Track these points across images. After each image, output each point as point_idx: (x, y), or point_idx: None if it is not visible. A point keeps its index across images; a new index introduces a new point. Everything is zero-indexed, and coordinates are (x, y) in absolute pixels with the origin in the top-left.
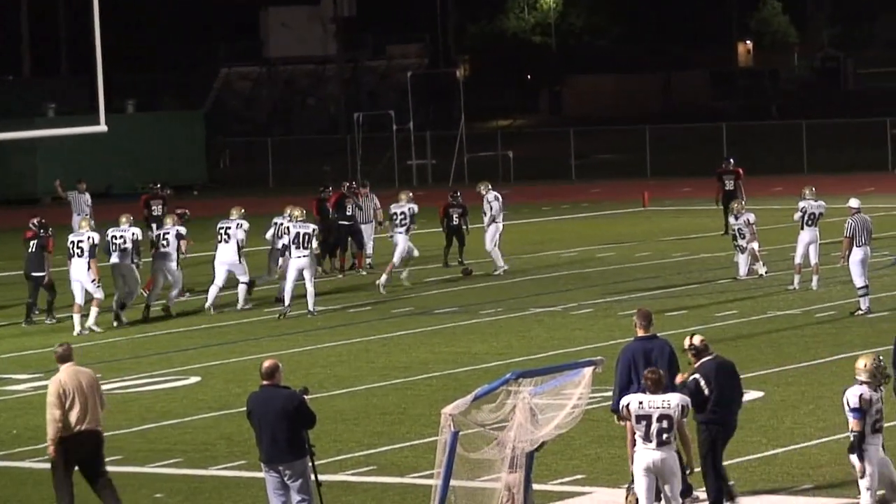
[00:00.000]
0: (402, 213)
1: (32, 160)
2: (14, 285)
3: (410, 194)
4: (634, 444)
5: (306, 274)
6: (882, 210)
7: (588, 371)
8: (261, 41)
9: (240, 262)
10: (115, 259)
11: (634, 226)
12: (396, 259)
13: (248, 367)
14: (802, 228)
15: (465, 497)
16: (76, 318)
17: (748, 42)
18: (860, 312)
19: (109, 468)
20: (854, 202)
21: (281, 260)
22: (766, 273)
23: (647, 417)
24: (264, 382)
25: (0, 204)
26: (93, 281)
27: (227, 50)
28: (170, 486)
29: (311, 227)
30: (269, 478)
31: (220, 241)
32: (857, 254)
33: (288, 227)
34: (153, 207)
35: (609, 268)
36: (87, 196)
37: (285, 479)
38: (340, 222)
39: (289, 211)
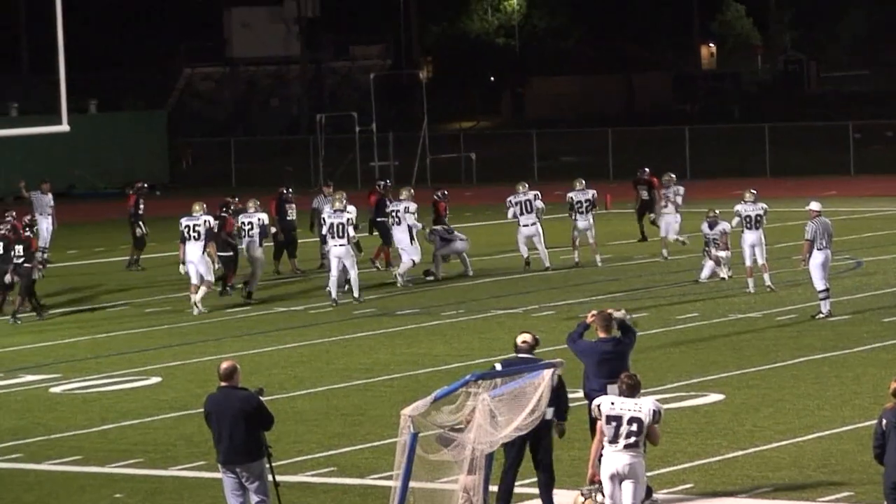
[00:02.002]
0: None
1: None
2: None
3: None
4: (600, 449)
5: (347, 262)
6: (843, 213)
7: (548, 373)
8: (223, 41)
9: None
10: (244, 244)
11: (596, 228)
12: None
13: (208, 367)
14: (743, 231)
15: (425, 498)
16: (194, 297)
17: (711, 45)
18: (821, 315)
19: (70, 468)
20: (815, 205)
21: (324, 247)
22: (728, 276)
23: (618, 419)
24: (222, 384)
25: None
26: (206, 263)
27: (189, 50)
28: (130, 486)
29: (345, 217)
30: (226, 479)
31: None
32: (817, 257)
33: (323, 218)
34: (140, 206)
35: (570, 270)
36: (50, 197)
37: (243, 480)
38: (378, 219)
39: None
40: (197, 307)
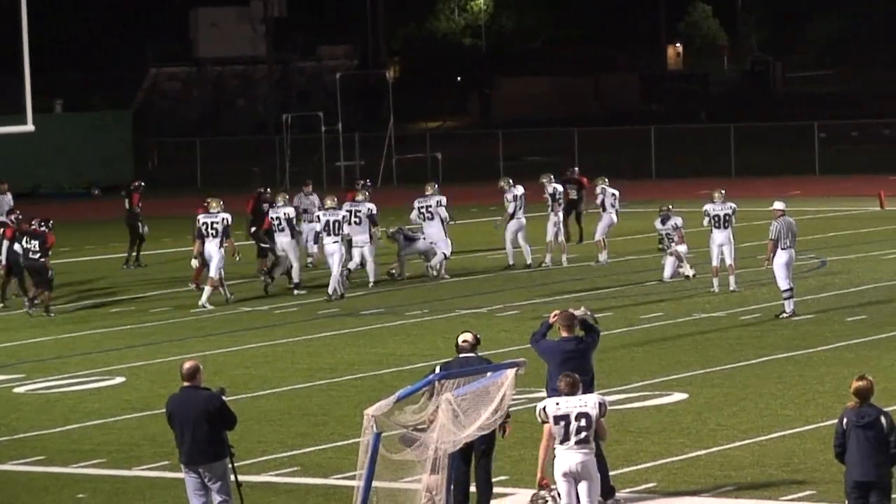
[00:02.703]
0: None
1: None
2: None
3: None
4: (547, 450)
5: (335, 258)
6: (809, 213)
7: (511, 373)
8: (190, 41)
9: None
10: (277, 238)
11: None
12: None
13: (173, 367)
14: (712, 231)
15: (388, 498)
16: (208, 291)
17: (678, 45)
18: (785, 315)
19: (33, 468)
20: (779, 204)
21: (315, 246)
22: (692, 275)
23: (566, 417)
24: (185, 384)
25: None
26: (233, 255)
27: (156, 50)
28: (93, 486)
29: (340, 215)
30: (188, 479)
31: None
32: (781, 256)
33: (319, 216)
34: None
35: (535, 270)
36: (9, 196)
37: (205, 480)
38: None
39: (326, 202)
40: (204, 302)
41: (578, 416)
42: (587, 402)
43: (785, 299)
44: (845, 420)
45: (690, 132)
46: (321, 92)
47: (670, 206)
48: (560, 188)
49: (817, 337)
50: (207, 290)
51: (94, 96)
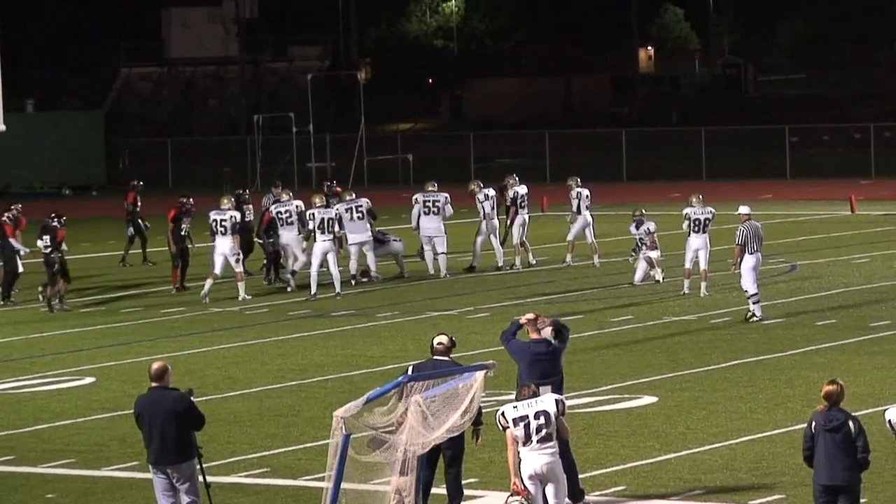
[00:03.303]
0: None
1: None
2: None
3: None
4: (515, 455)
5: (330, 257)
6: (779, 217)
7: (480, 375)
8: (162, 41)
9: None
10: (282, 232)
11: (532, 230)
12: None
13: (143, 368)
14: (690, 235)
15: (357, 500)
16: (209, 284)
17: (649, 48)
18: (755, 319)
19: (2, 468)
20: (744, 209)
21: (305, 244)
22: (662, 279)
23: (524, 417)
24: (153, 384)
25: None
26: (235, 255)
27: (127, 50)
28: (62, 486)
29: (333, 212)
30: (157, 479)
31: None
32: (748, 261)
33: (314, 213)
34: (138, 202)
35: (506, 273)
36: None
37: (174, 480)
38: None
39: (313, 198)
40: (243, 296)
41: (537, 415)
42: (544, 401)
43: (753, 303)
44: (814, 423)
45: (662, 135)
46: (292, 93)
47: (643, 211)
48: (523, 190)
49: (787, 341)
50: (241, 285)
51: (65, 96)
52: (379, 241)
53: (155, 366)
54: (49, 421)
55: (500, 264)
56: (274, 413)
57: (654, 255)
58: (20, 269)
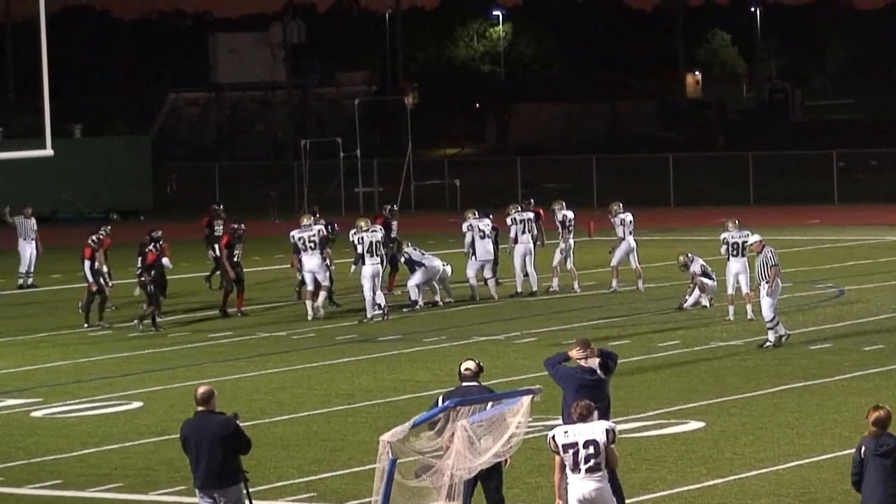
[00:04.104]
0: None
1: None
2: None
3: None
4: (561, 480)
5: (376, 281)
6: (827, 242)
7: (526, 399)
8: (209, 67)
9: (326, 266)
10: (304, 258)
11: (580, 255)
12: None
13: (190, 392)
14: (729, 260)
15: None
16: (308, 304)
17: (696, 73)
18: (768, 344)
19: (50, 492)
20: (755, 237)
21: (354, 268)
22: (710, 304)
23: (574, 445)
24: (199, 408)
25: None
26: (325, 269)
27: (175, 75)
28: None
29: (379, 235)
30: None
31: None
32: (766, 287)
33: (362, 237)
34: (215, 228)
35: (553, 297)
36: (33, 221)
37: None
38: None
39: (359, 223)
40: (318, 311)
41: (587, 444)
42: (595, 429)
43: (769, 329)
44: (863, 449)
45: (709, 160)
46: (339, 118)
47: (689, 255)
48: (570, 215)
49: (834, 366)
50: (322, 295)
51: (112, 121)
52: (418, 264)
53: (201, 390)
54: (96, 445)
55: (535, 289)
56: (321, 437)
57: (710, 283)
58: (105, 292)
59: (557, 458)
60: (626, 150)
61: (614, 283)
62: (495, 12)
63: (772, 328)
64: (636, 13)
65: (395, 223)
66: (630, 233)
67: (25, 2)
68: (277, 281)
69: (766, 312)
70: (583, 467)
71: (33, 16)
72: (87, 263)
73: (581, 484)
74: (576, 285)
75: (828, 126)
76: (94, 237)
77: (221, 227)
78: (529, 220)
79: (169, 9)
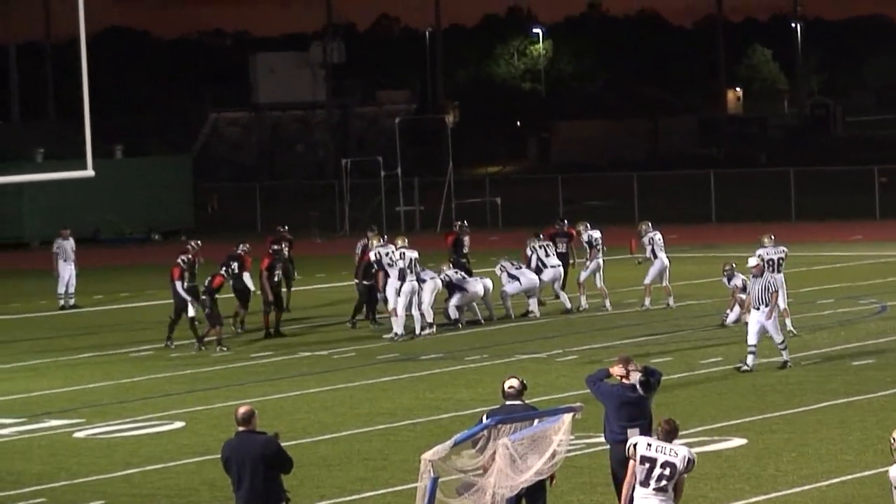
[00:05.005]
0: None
1: (18, 204)
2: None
3: None
4: (630, 486)
5: (416, 298)
6: (870, 258)
7: (568, 417)
8: (250, 86)
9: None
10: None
11: (621, 272)
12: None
13: (232, 412)
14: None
15: None
16: (394, 320)
17: (737, 89)
18: (745, 368)
19: None
20: (754, 260)
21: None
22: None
23: (652, 461)
24: (240, 428)
25: None
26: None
27: (215, 95)
28: None
29: (415, 253)
30: None
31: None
32: (756, 313)
33: (403, 252)
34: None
35: (594, 314)
36: (72, 242)
37: None
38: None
39: (397, 242)
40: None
41: (664, 464)
42: (677, 454)
43: (781, 350)
44: None
45: (750, 176)
46: (380, 137)
47: (734, 265)
48: (597, 235)
49: (877, 382)
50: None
51: (153, 141)
52: (459, 287)
53: (242, 410)
54: (139, 465)
55: (568, 306)
56: (363, 457)
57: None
58: (191, 313)
59: (632, 465)
60: (667, 166)
61: (647, 301)
62: (535, 30)
63: (784, 348)
64: (676, 29)
65: (466, 239)
66: (661, 250)
67: (66, 23)
68: (331, 299)
69: (753, 338)
70: (653, 484)
71: (74, 37)
72: (177, 283)
73: (645, 500)
74: (607, 303)
75: (869, 141)
76: (183, 258)
77: (287, 248)
78: (547, 245)
79: (209, 28)
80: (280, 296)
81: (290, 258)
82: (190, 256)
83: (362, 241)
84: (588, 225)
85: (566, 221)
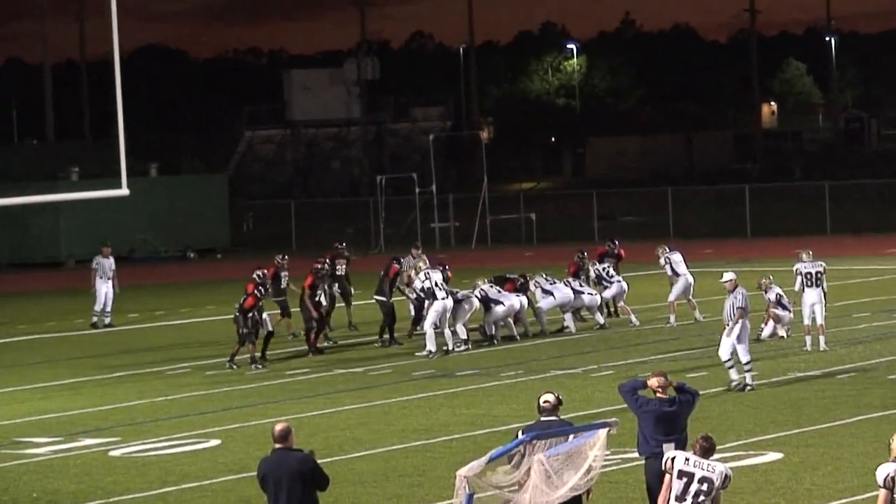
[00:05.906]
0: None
1: (55, 223)
2: (36, 348)
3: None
4: (666, 502)
5: (447, 317)
6: None
7: (603, 432)
8: (284, 104)
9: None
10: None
11: (657, 287)
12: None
13: (268, 429)
14: (804, 290)
15: None
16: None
17: (772, 103)
18: (749, 388)
19: None
20: (729, 276)
21: (428, 303)
22: (787, 335)
23: (690, 476)
24: (277, 445)
25: (23, 267)
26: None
27: (250, 113)
28: None
29: (439, 275)
30: None
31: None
32: (735, 329)
33: (428, 273)
34: (337, 266)
35: (630, 329)
36: (112, 260)
37: None
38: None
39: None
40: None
41: (702, 480)
42: (715, 469)
43: (745, 371)
44: None
45: (785, 190)
46: (414, 153)
47: (770, 278)
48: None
49: None
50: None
51: (188, 159)
52: (495, 301)
53: (278, 427)
54: (175, 483)
55: (602, 321)
56: (399, 473)
57: (785, 315)
58: (269, 330)
59: (667, 480)
60: (702, 181)
61: (672, 318)
62: (569, 45)
63: (749, 370)
64: (710, 44)
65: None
66: (682, 267)
67: (101, 41)
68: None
69: (744, 355)
70: (689, 500)
71: (109, 55)
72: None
73: None
74: (633, 318)
75: None
76: (259, 289)
77: (344, 266)
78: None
79: (243, 47)
80: (322, 314)
81: (346, 276)
82: (266, 271)
83: (404, 257)
84: (616, 243)
85: (617, 242)
